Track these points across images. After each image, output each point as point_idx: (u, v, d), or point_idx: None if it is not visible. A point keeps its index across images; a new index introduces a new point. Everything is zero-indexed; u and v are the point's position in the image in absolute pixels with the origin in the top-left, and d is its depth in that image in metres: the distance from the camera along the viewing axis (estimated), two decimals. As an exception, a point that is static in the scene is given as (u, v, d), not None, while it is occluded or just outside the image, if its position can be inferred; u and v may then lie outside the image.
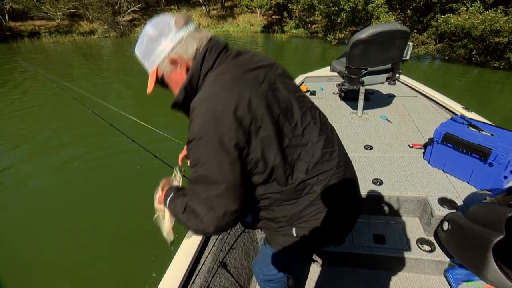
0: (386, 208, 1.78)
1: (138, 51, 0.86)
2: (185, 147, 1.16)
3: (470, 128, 1.77)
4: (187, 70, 0.83)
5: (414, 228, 1.69)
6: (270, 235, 1.01)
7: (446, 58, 10.21)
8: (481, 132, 1.71)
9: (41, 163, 4.39)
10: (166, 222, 1.12)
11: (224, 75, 0.79)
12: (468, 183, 1.76)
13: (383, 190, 1.75)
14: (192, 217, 0.79)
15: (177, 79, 0.85)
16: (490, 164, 1.56)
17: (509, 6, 8.76)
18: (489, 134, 1.68)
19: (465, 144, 1.67)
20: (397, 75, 2.59)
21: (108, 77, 9.75)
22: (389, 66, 2.43)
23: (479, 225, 1.20)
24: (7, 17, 20.79)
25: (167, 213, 1.09)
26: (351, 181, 0.98)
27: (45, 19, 20.97)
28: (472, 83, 8.24)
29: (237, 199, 0.76)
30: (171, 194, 0.95)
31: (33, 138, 5.22)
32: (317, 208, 0.87)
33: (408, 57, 2.53)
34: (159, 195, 1.08)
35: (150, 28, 0.82)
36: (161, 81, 0.88)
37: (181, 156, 1.18)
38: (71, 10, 20.28)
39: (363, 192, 1.76)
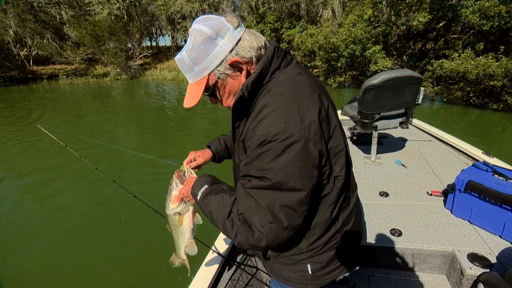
0: (407, 262, 1.63)
1: (188, 55, 0.72)
2: (191, 154, 1.07)
3: (495, 175, 1.69)
4: (247, 74, 0.75)
5: None
6: (282, 271, 0.90)
7: (445, 100, 10.56)
8: (509, 180, 1.63)
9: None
10: (186, 229, 0.92)
11: (300, 77, 0.75)
12: (500, 237, 1.62)
13: (402, 242, 1.62)
14: (242, 227, 0.68)
15: (234, 86, 0.76)
16: (525, 217, 1.48)
17: (499, 52, 9.32)
18: (518, 183, 1.60)
19: (493, 193, 1.58)
20: (411, 119, 2.60)
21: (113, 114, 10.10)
22: (402, 111, 2.46)
23: None
24: (31, 62, 22.61)
25: (187, 218, 0.91)
26: (359, 218, 0.97)
27: (64, 64, 22.72)
28: (473, 124, 8.38)
29: (303, 213, 0.69)
30: (205, 186, 0.81)
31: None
32: (336, 240, 0.85)
33: (420, 102, 2.56)
34: (178, 189, 0.89)
35: (202, 27, 0.70)
36: (211, 91, 0.76)
37: (185, 162, 1.06)
38: (89, 55, 21.96)
39: (380, 243, 1.63)
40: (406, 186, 2.25)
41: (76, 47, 21.81)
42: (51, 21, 22.35)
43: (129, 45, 23.79)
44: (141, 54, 24.27)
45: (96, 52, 21.28)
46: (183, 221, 0.91)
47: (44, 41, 22.15)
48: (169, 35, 29.56)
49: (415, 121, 3.61)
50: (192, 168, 1.03)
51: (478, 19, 10.07)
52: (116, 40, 21.00)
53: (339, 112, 3.34)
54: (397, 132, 3.43)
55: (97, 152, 6.28)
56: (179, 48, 30.61)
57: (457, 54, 10.12)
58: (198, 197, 0.81)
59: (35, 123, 9.15)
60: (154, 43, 34.91)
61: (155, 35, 32.02)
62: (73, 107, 11.98)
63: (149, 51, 26.80)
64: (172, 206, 0.90)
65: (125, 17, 23.59)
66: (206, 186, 0.82)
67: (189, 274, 1.12)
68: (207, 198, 0.78)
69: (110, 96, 14.80)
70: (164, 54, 28.51)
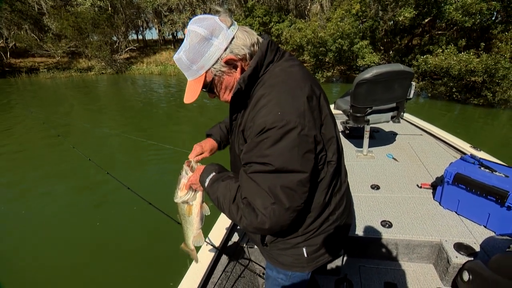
0: (396, 253, 1.69)
1: (185, 55, 0.75)
2: (197, 147, 1.07)
3: (482, 168, 1.75)
4: (242, 70, 0.79)
5: (430, 277, 1.58)
6: (279, 257, 0.94)
7: (429, 95, 10.86)
8: (494, 173, 1.69)
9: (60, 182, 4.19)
10: (194, 219, 0.96)
11: (293, 69, 0.79)
12: (485, 227, 1.68)
13: (392, 233, 1.67)
14: (246, 210, 0.73)
15: (229, 82, 0.80)
16: (509, 208, 1.52)
17: (479, 49, 9.64)
18: (503, 175, 1.66)
19: (479, 185, 1.63)
20: (402, 114, 2.66)
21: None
22: (394, 105, 2.51)
23: (505, 278, 1.15)
24: (8, 54, 21.39)
25: (195, 207, 0.95)
26: (349, 203, 1.01)
27: (45, 56, 21.61)
28: (455, 119, 8.68)
29: (303, 195, 0.73)
30: (212, 174, 0.86)
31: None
32: (329, 223, 0.90)
33: (411, 96, 2.59)
34: (187, 177, 0.93)
35: (197, 28, 0.73)
36: (209, 87, 0.81)
37: (191, 155, 1.06)
38: (72, 48, 21.04)
39: (371, 235, 1.68)
40: (397, 179, 2.30)
41: (58, 39, 20.82)
42: (29, 11, 21.17)
43: (114, 38, 22.95)
44: (127, 48, 23.48)
45: (79, 45, 20.40)
46: (191, 210, 0.95)
47: (22, 32, 21.00)
48: (155, 28, 28.71)
49: (406, 115, 3.68)
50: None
51: (460, 16, 10.35)
52: (100, 32, 20.18)
53: (332, 106, 3.38)
54: (389, 126, 3.50)
55: (89, 142, 6.18)
56: (166, 41, 29.83)
57: (441, 50, 10.40)
58: (206, 184, 0.85)
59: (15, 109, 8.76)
60: (140, 37, 33.90)
61: (141, 28, 31.04)
62: (57, 101, 11.51)
63: (135, 45, 25.97)
64: (181, 194, 0.94)
65: (109, 8, 22.68)
66: (214, 173, 0.86)
67: (196, 263, 1.16)
68: (214, 185, 0.83)
69: (97, 90, 14.34)
70: (151, 47, 27.71)
